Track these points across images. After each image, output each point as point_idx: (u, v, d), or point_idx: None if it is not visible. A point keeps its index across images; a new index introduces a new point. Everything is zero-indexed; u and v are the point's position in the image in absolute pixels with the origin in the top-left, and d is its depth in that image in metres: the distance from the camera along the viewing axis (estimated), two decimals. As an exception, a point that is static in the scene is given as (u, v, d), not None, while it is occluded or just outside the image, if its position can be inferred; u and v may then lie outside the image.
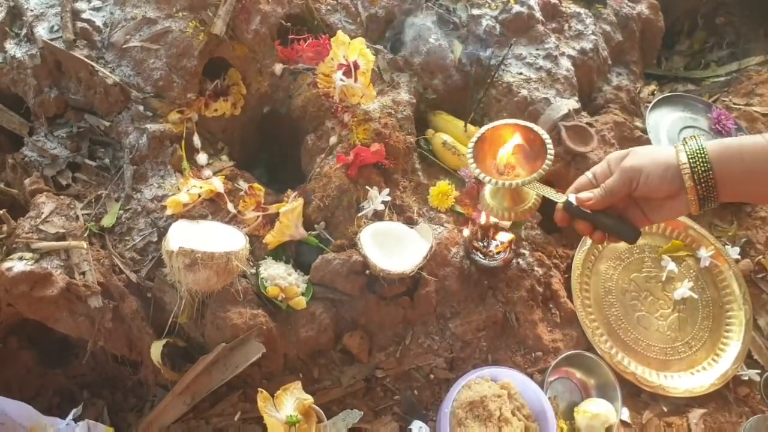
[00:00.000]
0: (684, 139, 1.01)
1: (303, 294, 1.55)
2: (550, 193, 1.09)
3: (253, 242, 1.58)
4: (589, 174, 1.07)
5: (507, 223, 1.70)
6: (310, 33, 1.78)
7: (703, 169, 0.96)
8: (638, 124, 2.06)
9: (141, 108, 1.65)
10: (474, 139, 1.15)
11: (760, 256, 1.91)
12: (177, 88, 1.65)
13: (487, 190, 1.22)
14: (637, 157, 1.02)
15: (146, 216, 1.58)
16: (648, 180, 1.00)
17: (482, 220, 1.66)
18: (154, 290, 1.52)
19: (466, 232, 1.66)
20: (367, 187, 1.66)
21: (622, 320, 1.76)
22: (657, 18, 2.30)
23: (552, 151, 1.08)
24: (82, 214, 1.57)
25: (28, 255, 1.43)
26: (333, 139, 1.69)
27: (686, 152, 0.98)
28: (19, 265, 1.39)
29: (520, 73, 1.90)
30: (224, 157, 1.73)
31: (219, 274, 1.43)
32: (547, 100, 1.85)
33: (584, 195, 1.04)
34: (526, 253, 1.72)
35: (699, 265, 1.85)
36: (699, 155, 0.97)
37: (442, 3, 1.97)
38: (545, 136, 1.10)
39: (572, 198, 1.05)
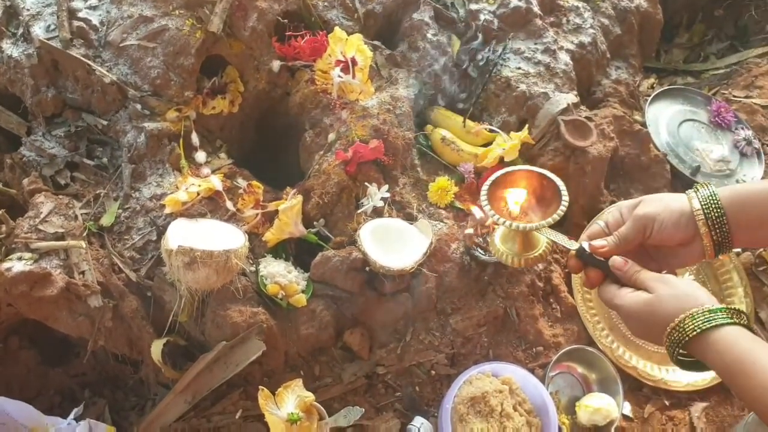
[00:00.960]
0: (695, 186, 1.02)
1: (303, 291, 1.55)
2: (563, 240, 1.09)
3: (252, 240, 1.58)
4: (600, 222, 1.08)
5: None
6: (307, 29, 1.78)
7: (716, 215, 0.98)
8: (637, 117, 2.06)
9: (138, 107, 1.64)
10: (488, 182, 1.14)
11: (761, 249, 1.91)
12: (174, 86, 1.65)
13: (498, 234, 1.22)
14: (650, 205, 1.03)
15: (145, 215, 1.57)
16: (662, 227, 1.01)
17: (477, 214, 1.65)
18: (154, 289, 1.52)
19: (469, 230, 1.65)
20: (366, 183, 1.65)
21: (623, 314, 1.76)
22: (656, 11, 2.29)
23: (566, 199, 1.08)
24: (81, 214, 1.56)
25: (28, 255, 1.43)
26: (331, 136, 1.68)
27: (699, 199, 0.99)
28: (18, 265, 1.39)
29: (519, 68, 1.90)
30: (223, 155, 1.73)
31: (218, 273, 1.42)
32: (545, 94, 1.85)
33: (598, 242, 1.05)
34: (526, 248, 1.72)
35: (700, 259, 1.85)
36: (712, 201, 0.99)
37: (440, -2, 1.97)
38: (560, 183, 1.10)
39: (585, 245, 1.06)
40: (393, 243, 1.59)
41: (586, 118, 1.85)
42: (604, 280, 1.06)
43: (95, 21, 1.71)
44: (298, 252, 1.67)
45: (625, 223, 1.05)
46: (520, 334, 1.66)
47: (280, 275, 1.53)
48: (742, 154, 2.09)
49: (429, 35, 1.87)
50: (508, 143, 1.74)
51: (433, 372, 1.62)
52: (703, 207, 0.99)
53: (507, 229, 1.14)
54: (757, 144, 2.11)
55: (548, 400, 1.50)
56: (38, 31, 1.68)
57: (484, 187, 1.14)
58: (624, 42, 2.21)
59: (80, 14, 1.71)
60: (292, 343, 1.57)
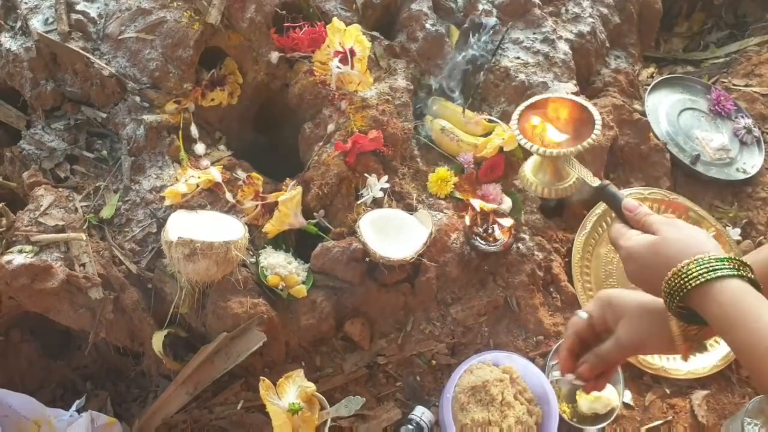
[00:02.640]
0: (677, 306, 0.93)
1: (303, 282, 1.55)
2: (587, 175, 1.07)
3: (252, 231, 1.58)
4: (583, 314, 1.05)
5: (507, 208, 1.70)
6: (305, 21, 1.77)
7: (694, 332, 0.95)
8: (637, 106, 2.06)
9: (137, 99, 1.65)
10: (520, 109, 1.12)
11: (761, 237, 1.91)
12: (173, 78, 1.65)
13: (528, 165, 1.20)
14: (635, 330, 0.99)
15: (145, 207, 1.58)
16: (646, 351, 1.06)
17: (476, 206, 1.65)
18: (155, 281, 1.52)
19: (468, 220, 1.65)
20: (365, 174, 1.65)
21: (623, 303, 1.76)
22: (655, 0, 2.29)
23: (600, 125, 1.06)
24: (81, 206, 1.57)
25: (28, 248, 1.44)
26: (331, 127, 1.68)
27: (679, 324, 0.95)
28: (19, 258, 1.40)
29: (518, 58, 1.89)
30: (222, 147, 1.73)
31: (219, 264, 1.43)
32: (545, 84, 1.84)
33: (582, 370, 1.04)
34: (527, 237, 1.72)
35: (700, 247, 1.85)
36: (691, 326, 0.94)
37: (439, -12, 1.97)
38: (595, 112, 1.08)
39: (611, 187, 1.05)
40: (393, 233, 1.59)
41: (585, 107, 1.85)
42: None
43: (93, 14, 1.71)
44: (298, 243, 1.67)
45: (608, 329, 1.02)
46: (520, 324, 1.67)
47: (281, 266, 1.53)
48: (742, 143, 2.09)
49: (428, 25, 1.87)
50: (507, 133, 1.73)
51: (433, 362, 1.62)
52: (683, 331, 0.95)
53: (538, 157, 1.13)
54: (757, 132, 2.11)
55: (549, 389, 1.50)
56: (36, 24, 1.68)
57: (516, 113, 1.13)
58: (623, 31, 2.21)
59: (78, 7, 1.71)
60: (293, 334, 1.57)
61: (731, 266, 0.85)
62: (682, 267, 0.87)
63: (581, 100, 1.11)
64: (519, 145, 1.15)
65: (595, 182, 1.06)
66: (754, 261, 0.93)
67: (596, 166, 1.86)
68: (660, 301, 0.94)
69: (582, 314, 1.05)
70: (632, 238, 0.97)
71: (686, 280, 0.86)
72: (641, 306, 1.00)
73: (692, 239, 0.91)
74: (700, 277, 0.85)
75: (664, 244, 0.93)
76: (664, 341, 0.98)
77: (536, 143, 1.12)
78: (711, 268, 0.85)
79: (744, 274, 0.85)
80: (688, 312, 0.89)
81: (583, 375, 1.04)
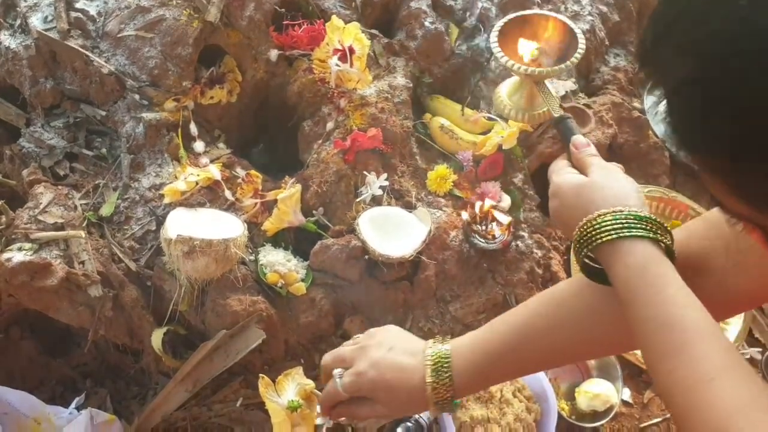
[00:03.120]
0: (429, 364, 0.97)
1: (303, 280, 1.55)
2: (553, 103, 1.04)
3: (251, 229, 1.59)
4: (339, 385, 1.04)
5: (506, 206, 1.70)
6: (304, 19, 1.77)
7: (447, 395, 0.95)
8: (636, 104, 2.06)
9: (137, 97, 1.65)
10: (500, 24, 1.09)
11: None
12: (172, 76, 1.65)
13: (504, 86, 1.16)
14: (394, 405, 1.01)
15: (144, 205, 1.58)
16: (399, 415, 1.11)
17: (477, 207, 1.66)
18: (154, 279, 1.53)
19: (465, 215, 1.65)
20: (364, 172, 1.65)
21: (622, 301, 1.76)
22: (654, -2, 2.29)
23: (583, 45, 1.02)
24: (81, 204, 1.57)
25: (27, 245, 1.44)
26: (330, 125, 1.69)
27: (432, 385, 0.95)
28: (18, 255, 1.40)
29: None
30: (221, 145, 1.73)
31: (218, 262, 1.43)
32: (544, 81, 1.84)
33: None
34: (525, 235, 1.72)
35: (699, 245, 1.85)
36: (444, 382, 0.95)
37: (438, -14, 1.97)
38: (579, 33, 1.04)
39: (569, 120, 1.03)
40: (392, 231, 1.59)
41: (584, 105, 1.85)
42: None
43: (93, 12, 1.71)
44: (297, 241, 1.67)
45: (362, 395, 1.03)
46: (519, 321, 1.66)
47: (280, 264, 1.54)
48: (741, 141, 2.08)
49: (427, 23, 1.87)
50: (506, 131, 1.73)
51: (433, 359, 1.62)
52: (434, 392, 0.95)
53: (516, 79, 1.09)
54: (755, 130, 2.10)
55: (547, 387, 1.51)
56: (36, 22, 1.68)
57: (496, 26, 1.08)
58: (623, 29, 2.21)
59: (77, 5, 1.71)
60: (292, 332, 1.57)
61: (648, 227, 0.81)
62: (598, 216, 0.83)
63: (567, 20, 1.07)
64: (501, 64, 1.08)
65: (558, 112, 1.03)
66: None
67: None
68: (414, 379, 0.96)
69: (337, 378, 1.04)
70: (564, 175, 0.94)
71: (598, 231, 0.82)
72: (400, 386, 0.98)
73: (618, 189, 0.87)
74: (612, 232, 0.81)
75: (589, 187, 0.89)
76: (419, 406, 1.00)
77: (516, 61, 1.08)
78: (626, 225, 0.81)
79: (660, 238, 0.81)
80: (593, 269, 0.86)
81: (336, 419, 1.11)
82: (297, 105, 1.79)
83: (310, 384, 1.43)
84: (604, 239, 0.81)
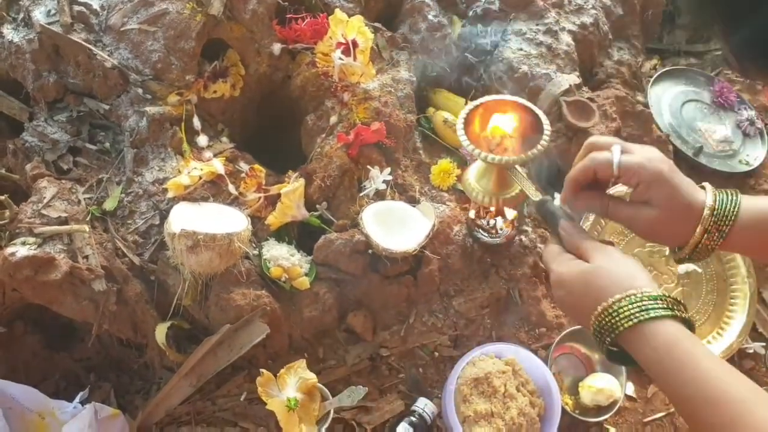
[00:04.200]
0: (725, 192, 0.94)
1: (306, 274, 1.55)
2: (529, 187, 1.02)
3: (255, 223, 1.58)
4: (617, 156, 0.95)
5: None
6: (307, 12, 1.77)
7: (722, 231, 0.91)
8: (640, 98, 2.05)
9: (140, 91, 1.64)
10: (467, 109, 1.07)
11: None
12: (175, 70, 1.64)
13: (472, 170, 1.15)
14: (667, 223, 0.94)
15: (148, 199, 1.58)
16: (655, 239, 1.00)
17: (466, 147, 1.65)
18: (158, 273, 1.53)
19: (472, 213, 1.65)
20: (368, 166, 1.65)
21: (625, 295, 1.76)
22: (658, -9, 2.28)
23: (548, 134, 1.01)
24: (84, 198, 1.57)
25: (31, 240, 1.44)
26: (333, 119, 1.68)
27: (716, 205, 0.92)
28: (22, 250, 1.40)
29: (520, 49, 1.89)
30: (224, 139, 1.72)
31: (221, 256, 1.43)
32: (547, 75, 1.84)
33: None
34: (529, 229, 1.72)
35: (702, 239, 1.85)
36: (726, 216, 0.91)
37: (441, -21, 1.96)
38: (544, 118, 1.02)
39: (555, 201, 1.00)
40: (395, 226, 1.59)
41: (588, 99, 1.85)
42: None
43: (95, 5, 1.70)
44: (300, 235, 1.67)
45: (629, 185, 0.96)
46: (522, 316, 1.67)
47: (283, 258, 1.53)
48: (745, 135, 2.08)
49: (430, 17, 1.86)
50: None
51: (436, 353, 1.62)
52: (715, 216, 0.91)
53: (482, 164, 1.08)
54: (760, 124, 2.10)
55: (551, 381, 1.51)
56: (39, 16, 1.67)
57: (462, 114, 1.06)
58: (626, 23, 2.20)
59: (80, -1, 1.71)
60: (296, 326, 1.57)
61: (665, 305, 0.82)
62: (614, 303, 0.83)
63: (531, 105, 1.05)
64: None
65: (536, 196, 1.01)
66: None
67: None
68: (696, 202, 0.92)
69: (616, 153, 0.95)
70: (564, 263, 0.93)
71: (618, 319, 0.82)
72: (679, 207, 0.93)
73: (625, 272, 0.87)
74: (632, 317, 0.81)
75: (596, 273, 0.88)
76: (676, 239, 0.96)
77: (482, 148, 1.07)
78: (644, 307, 0.81)
79: (678, 313, 0.82)
80: (619, 352, 0.86)
81: (576, 206, 1.00)
82: (300, 99, 1.79)
83: (312, 378, 1.44)
84: (625, 326, 0.81)
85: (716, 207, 0.91)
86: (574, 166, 0.99)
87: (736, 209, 0.91)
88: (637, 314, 0.81)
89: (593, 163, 0.96)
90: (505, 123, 1.06)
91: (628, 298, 0.82)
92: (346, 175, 1.63)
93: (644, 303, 0.81)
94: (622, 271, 0.87)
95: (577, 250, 0.94)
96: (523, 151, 1.05)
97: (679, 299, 0.84)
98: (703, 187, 0.97)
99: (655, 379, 0.81)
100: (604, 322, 0.83)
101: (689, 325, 0.82)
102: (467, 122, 1.07)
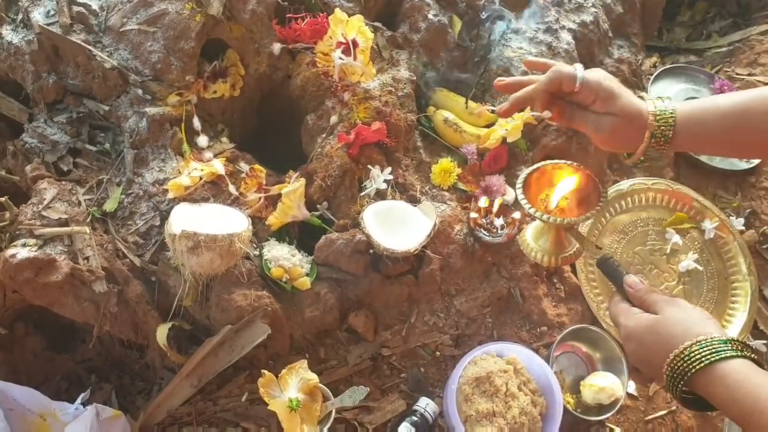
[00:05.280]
0: (659, 98, 1.08)
1: (307, 274, 1.55)
2: (589, 246, 1.08)
3: (255, 224, 1.58)
4: (581, 73, 1.09)
5: (510, 199, 1.70)
6: (307, 12, 1.76)
7: (665, 136, 1.05)
8: (642, 95, 2.05)
9: (140, 92, 1.64)
10: (528, 170, 1.12)
11: (765, 227, 1.91)
12: (175, 70, 1.64)
13: (530, 230, 1.19)
14: (619, 133, 1.08)
15: (148, 200, 1.57)
16: (609, 146, 1.12)
17: (482, 203, 1.65)
18: (158, 274, 1.52)
19: (473, 215, 1.65)
20: (369, 166, 1.65)
21: (627, 294, 1.76)
22: (658, -11, 2.28)
23: (605, 201, 1.07)
24: (84, 200, 1.56)
25: (32, 241, 1.44)
26: (333, 119, 1.68)
27: (655, 114, 1.05)
28: (22, 251, 1.39)
29: (521, 48, 1.88)
30: (224, 139, 1.72)
31: (222, 257, 1.43)
32: (548, 74, 1.83)
33: (632, 279, 1.05)
34: (530, 228, 1.72)
35: (703, 237, 1.85)
36: (666, 122, 1.04)
37: (441, -22, 1.95)
38: (603, 189, 1.09)
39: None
40: (396, 225, 1.59)
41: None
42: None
43: (95, 6, 1.70)
44: (301, 235, 1.67)
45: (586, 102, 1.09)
46: (524, 315, 1.67)
47: (284, 258, 1.53)
48: (746, 132, 2.08)
49: (430, 16, 1.86)
50: (510, 124, 1.73)
51: (438, 353, 1.62)
52: (658, 121, 1.04)
53: (541, 224, 1.12)
54: (760, 122, 2.10)
55: (553, 380, 1.51)
56: (38, 16, 1.67)
57: (521, 178, 1.12)
58: (626, 21, 2.20)
59: (79, -1, 1.71)
60: (297, 326, 1.57)
61: (734, 348, 0.85)
62: (685, 349, 0.86)
63: (589, 171, 1.12)
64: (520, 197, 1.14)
65: (598, 254, 1.07)
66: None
67: (599, 158, 1.86)
68: (644, 110, 1.06)
69: (580, 71, 1.09)
70: (633, 317, 0.97)
71: (689, 362, 0.85)
72: (632, 113, 1.06)
73: (693, 320, 0.91)
74: (703, 359, 0.84)
75: (665, 324, 0.92)
76: (632, 144, 1.08)
77: (539, 208, 1.10)
78: (714, 350, 0.84)
79: (748, 355, 0.85)
80: (693, 398, 0.89)
81: (553, 117, 1.13)
82: (300, 99, 1.78)
83: (313, 378, 1.44)
84: (697, 368, 0.84)
85: (657, 114, 1.05)
86: (540, 80, 1.11)
87: (673, 114, 1.04)
88: (708, 356, 0.84)
89: (560, 75, 1.09)
90: (567, 186, 1.11)
91: (698, 344, 0.86)
92: (346, 175, 1.63)
93: (714, 346, 0.85)
94: (691, 318, 0.91)
95: (644, 303, 0.99)
96: (581, 211, 1.10)
97: (747, 342, 0.89)
98: (642, 98, 1.10)
99: (732, 418, 0.84)
100: (676, 367, 0.87)
101: (759, 364, 0.85)
102: (525, 185, 1.10)
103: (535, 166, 1.13)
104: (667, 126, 1.03)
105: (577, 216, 1.09)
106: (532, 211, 1.08)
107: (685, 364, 0.85)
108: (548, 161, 1.14)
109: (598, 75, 1.09)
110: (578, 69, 1.09)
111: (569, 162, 1.14)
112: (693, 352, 0.85)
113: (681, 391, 0.88)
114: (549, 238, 1.15)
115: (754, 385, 0.80)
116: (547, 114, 1.12)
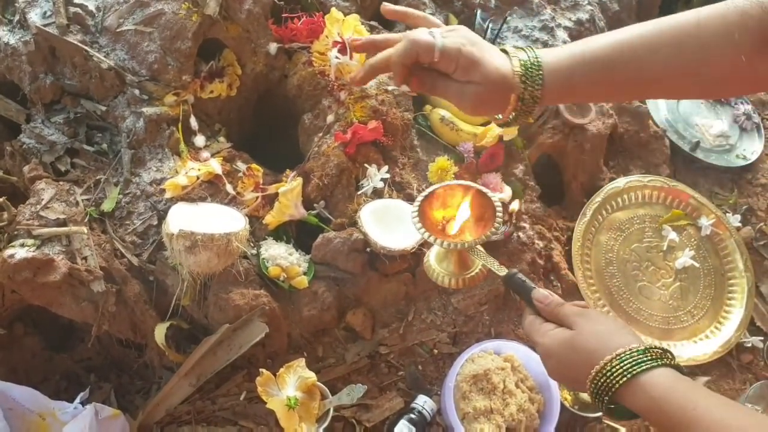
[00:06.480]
0: (522, 50, 1.00)
1: (305, 273, 1.56)
2: (492, 264, 1.05)
3: (253, 223, 1.58)
4: (439, 40, 0.98)
5: (507, 197, 1.70)
6: (303, 11, 1.77)
7: (533, 96, 0.97)
8: (504, 50, 2.05)
9: (137, 92, 1.64)
10: (421, 197, 1.11)
11: (761, 224, 1.92)
12: (172, 70, 1.64)
13: (432, 254, 1.18)
14: (483, 99, 0.99)
15: (145, 200, 1.58)
16: (475, 113, 1.06)
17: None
18: (156, 273, 1.53)
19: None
20: (365, 164, 1.65)
21: (623, 291, 1.77)
22: (654, -14, 2.28)
23: (500, 219, 1.04)
24: (82, 200, 1.57)
25: (30, 241, 1.44)
26: (330, 118, 1.68)
27: (521, 68, 0.97)
28: (21, 251, 1.40)
29: (516, 46, 1.88)
30: (222, 139, 1.72)
31: (220, 256, 1.43)
32: (544, 72, 1.84)
33: (541, 294, 1.01)
34: (527, 226, 1.72)
35: (700, 234, 1.86)
36: (533, 77, 0.96)
37: (437, -23, 1.96)
38: (497, 203, 1.05)
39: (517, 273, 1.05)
40: (394, 223, 1.59)
41: (584, 95, 1.85)
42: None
43: (91, 6, 1.70)
44: (298, 234, 1.67)
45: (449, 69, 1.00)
46: (521, 312, 1.66)
47: (282, 257, 1.54)
48: (742, 129, 2.09)
49: (426, 14, 1.86)
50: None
51: (435, 351, 1.63)
52: (524, 84, 0.96)
53: (441, 248, 1.11)
54: (756, 118, 2.11)
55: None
56: (34, 17, 1.67)
57: (416, 202, 1.10)
58: (622, 18, 2.20)
59: (76, 0, 1.70)
60: (295, 325, 1.58)
61: (653, 356, 0.85)
62: (606, 364, 0.86)
63: (480, 187, 1.09)
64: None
65: (502, 271, 1.04)
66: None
67: (595, 155, 1.86)
68: (508, 73, 0.97)
69: (438, 39, 0.99)
70: (547, 334, 0.96)
71: (611, 378, 0.85)
72: (496, 80, 0.98)
73: (609, 331, 0.90)
74: (625, 373, 0.84)
75: (581, 339, 0.91)
76: (499, 109, 1.01)
77: (437, 232, 1.09)
78: (635, 361, 0.84)
79: (668, 362, 0.85)
80: (618, 407, 0.88)
81: (412, 88, 1.05)
82: (297, 98, 1.79)
83: (311, 377, 1.44)
84: (621, 383, 0.84)
85: (523, 74, 0.96)
86: (396, 51, 1.02)
87: (540, 71, 0.97)
88: (630, 369, 0.84)
89: (416, 46, 0.99)
90: (464, 213, 1.09)
91: (618, 357, 0.85)
92: (343, 174, 1.63)
93: (634, 358, 0.84)
94: (605, 330, 0.91)
95: (556, 317, 0.97)
96: (479, 228, 1.08)
97: (665, 348, 0.88)
98: (505, 51, 1.01)
99: (658, 427, 0.84)
100: (600, 383, 0.86)
101: (680, 369, 0.86)
102: (421, 213, 1.09)
103: (426, 192, 1.11)
104: (536, 86, 0.96)
105: (475, 236, 1.07)
106: (428, 237, 1.06)
107: (607, 381, 0.85)
108: (439, 185, 1.12)
109: (456, 40, 0.99)
110: (436, 36, 0.99)
111: (460, 182, 1.12)
112: (614, 366, 0.85)
113: (608, 404, 0.88)
114: (452, 261, 1.14)
115: (679, 395, 0.80)
116: (405, 88, 1.07)
